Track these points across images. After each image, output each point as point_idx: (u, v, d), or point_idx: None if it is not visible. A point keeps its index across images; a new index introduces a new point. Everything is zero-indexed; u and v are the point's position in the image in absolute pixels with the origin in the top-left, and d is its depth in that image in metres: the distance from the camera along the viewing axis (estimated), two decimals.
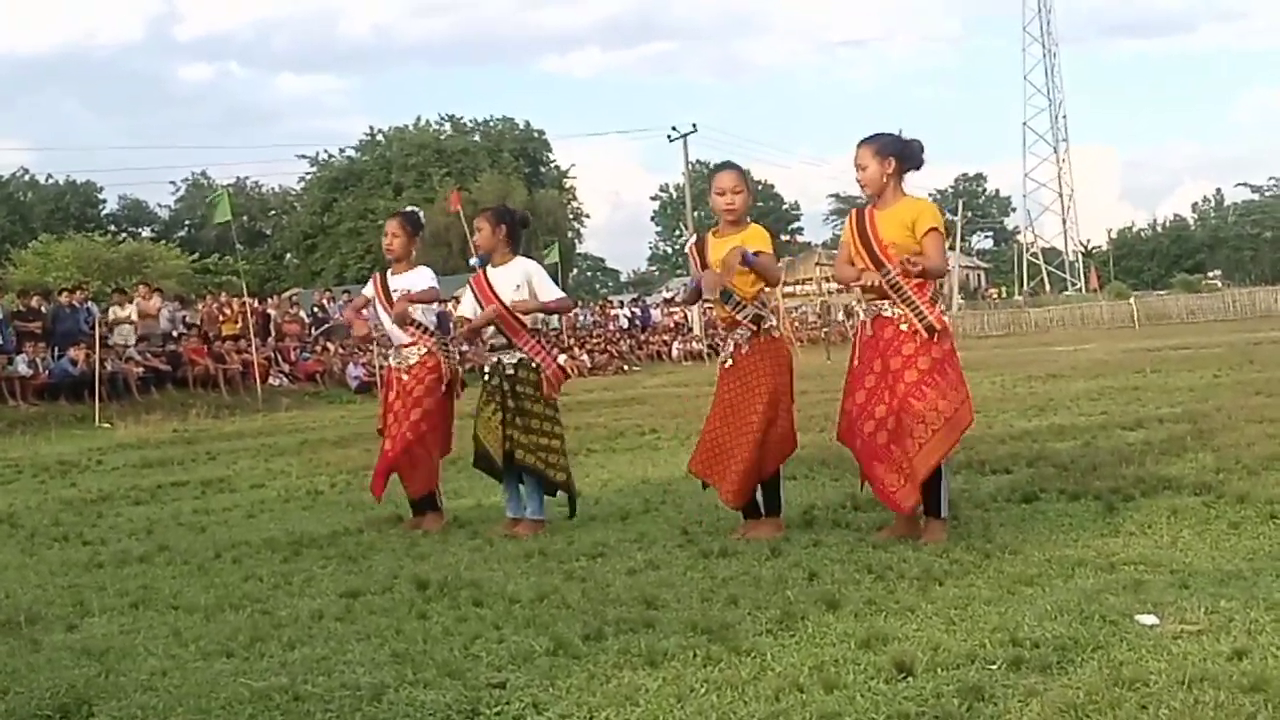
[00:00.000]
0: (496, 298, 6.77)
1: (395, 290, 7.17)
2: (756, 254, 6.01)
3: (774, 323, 6.31)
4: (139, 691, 3.84)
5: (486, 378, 6.87)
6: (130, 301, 22.91)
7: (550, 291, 6.83)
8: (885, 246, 5.79)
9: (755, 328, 6.16)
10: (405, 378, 7.11)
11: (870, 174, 5.88)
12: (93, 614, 5.12)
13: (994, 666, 3.60)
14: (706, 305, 6.44)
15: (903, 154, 5.91)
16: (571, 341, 32.12)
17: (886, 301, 5.79)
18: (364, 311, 7.49)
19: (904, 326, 5.74)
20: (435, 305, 7.39)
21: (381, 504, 7.30)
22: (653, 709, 3.44)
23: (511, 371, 6.73)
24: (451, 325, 7.50)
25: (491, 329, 6.82)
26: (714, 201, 6.28)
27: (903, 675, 3.57)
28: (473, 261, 7.31)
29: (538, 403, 6.71)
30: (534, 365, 6.72)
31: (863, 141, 5.94)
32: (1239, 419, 9.44)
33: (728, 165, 6.39)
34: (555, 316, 32.83)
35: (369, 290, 7.39)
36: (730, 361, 6.22)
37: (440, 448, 7.21)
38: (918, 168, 6.03)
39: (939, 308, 5.82)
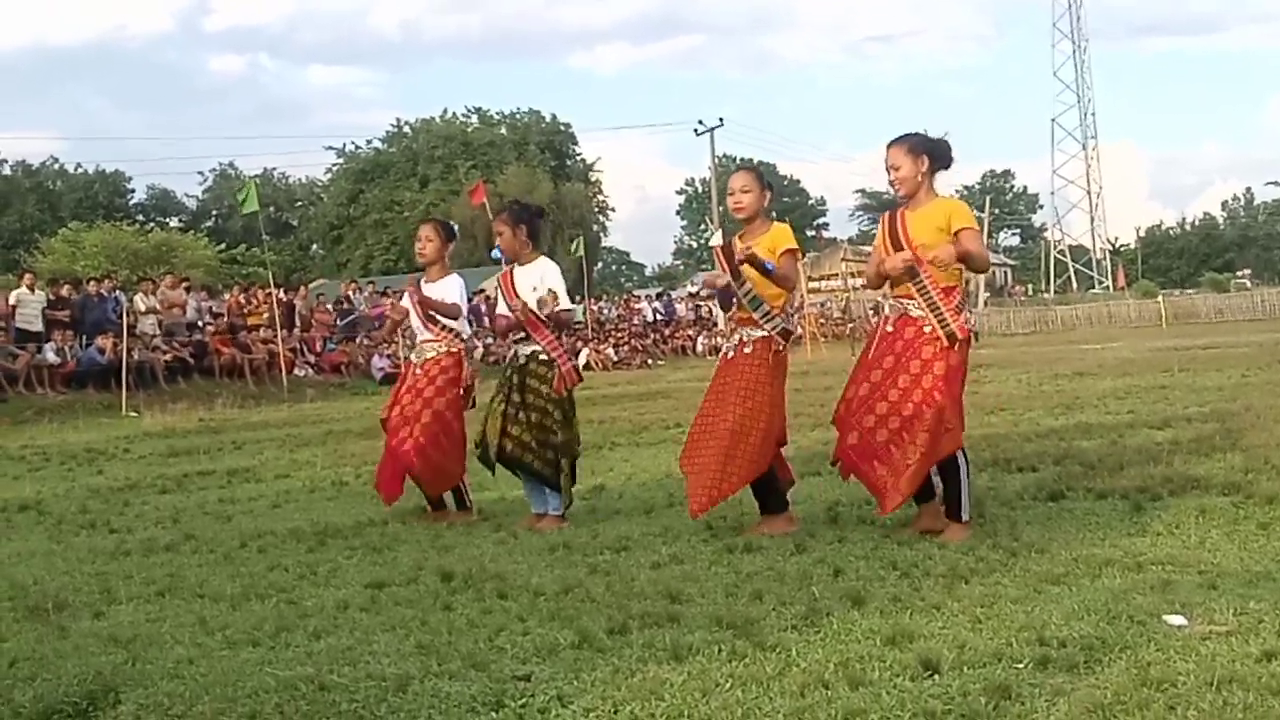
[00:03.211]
0: (516, 296, 6.83)
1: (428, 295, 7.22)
2: (769, 261, 6.03)
3: (793, 336, 6.32)
4: (165, 679, 3.86)
5: (503, 367, 6.96)
6: (157, 291, 23.04)
7: (561, 298, 6.81)
8: (916, 249, 5.76)
9: (782, 342, 6.18)
10: (419, 372, 7.15)
11: (905, 173, 5.83)
12: (120, 602, 5.15)
13: (1021, 665, 3.59)
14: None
15: (934, 152, 5.87)
16: (595, 336, 32.16)
17: (913, 302, 5.77)
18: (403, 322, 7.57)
19: (927, 329, 5.72)
20: (462, 313, 7.39)
21: (397, 501, 7.30)
22: (677, 703, 3.44)
23: (523, 362, 6.77)
24: (496, 319, 7.55)
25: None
26: (728, 202, 6.37)
27: (929, 673, 3.56)
28: (494, 254, 7.34)
29: (541, 395, 6.70)
30: (546, 359, 6.73)
31: (893, 142, 5.91)
32: (1268, 419, 9.36)
33: (741, 167, 6.44)
34: (579, 308, 32.88)
35: (406, 300, 7.46)
36: (732, 354, 6.23)
37: (456, 450, 7.19)
38: (947, 166, 6.00)
39: (964, 316, 5.78)
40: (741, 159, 69.85)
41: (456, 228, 7.76)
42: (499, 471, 6.99)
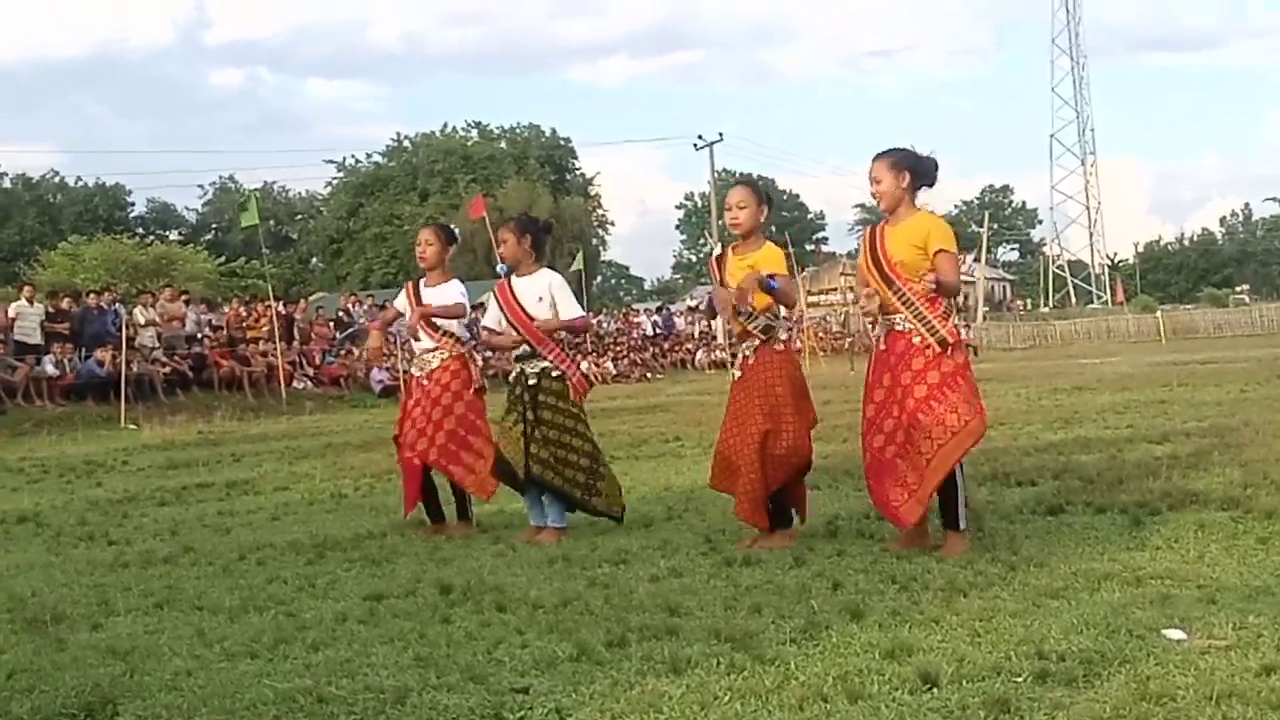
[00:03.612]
0: (520, 309, 6.79)
1: (428, 303, 7.19)
2: (773, 278, 6.03)
3: (785, 335, 6.33)
4: (163, 691, 3.86)
5: (510, 386, 6.90)
6: (156, 304, 23.05)
7: (570, 308, 6.81)
8: (894, 265, 5.79)
9: (764, 338, 6.19)
10: (427, 384, 7.11)
11: (885, 188, 5.87)
12: (118, 614, 5.14)
13: (1019, 679, 3.58)
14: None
15: (917, 169, 5.90)
16: (594, 349, 32.15)
17: (899, 316, 5.79)
18: (394, 322, 7.47)
19: (916, 340, 5.73)
20: (464, 318, 7.37)
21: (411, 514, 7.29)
22: (676, 716, 3.43)
23: (534, 381, 6.72)
24: (479, 332, 7.50)
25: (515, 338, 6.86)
26: (725, 218, 6.41)
27: (928, 686, 3.55)
28: (500, 268, 7.33)
29: (559, 412, 6.67)
30: (557, 374, 6.71)
31: (878, 155, 5.94)
32: (1267, 434, 9.37)
33: (739, 181, 6.47)
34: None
35: (400, 301, 7.41)
36: (739, 374, 6.29)
37: (489, 446, 7.06)
38: (931, 184, 6.03)
39: (952, 321, 5.81)
40: (741, 173, 69.94)
41: (457, 230, 7.74)
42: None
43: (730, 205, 6.28)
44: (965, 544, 5.65)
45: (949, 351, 5.70)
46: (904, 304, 5.76)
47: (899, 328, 5.81)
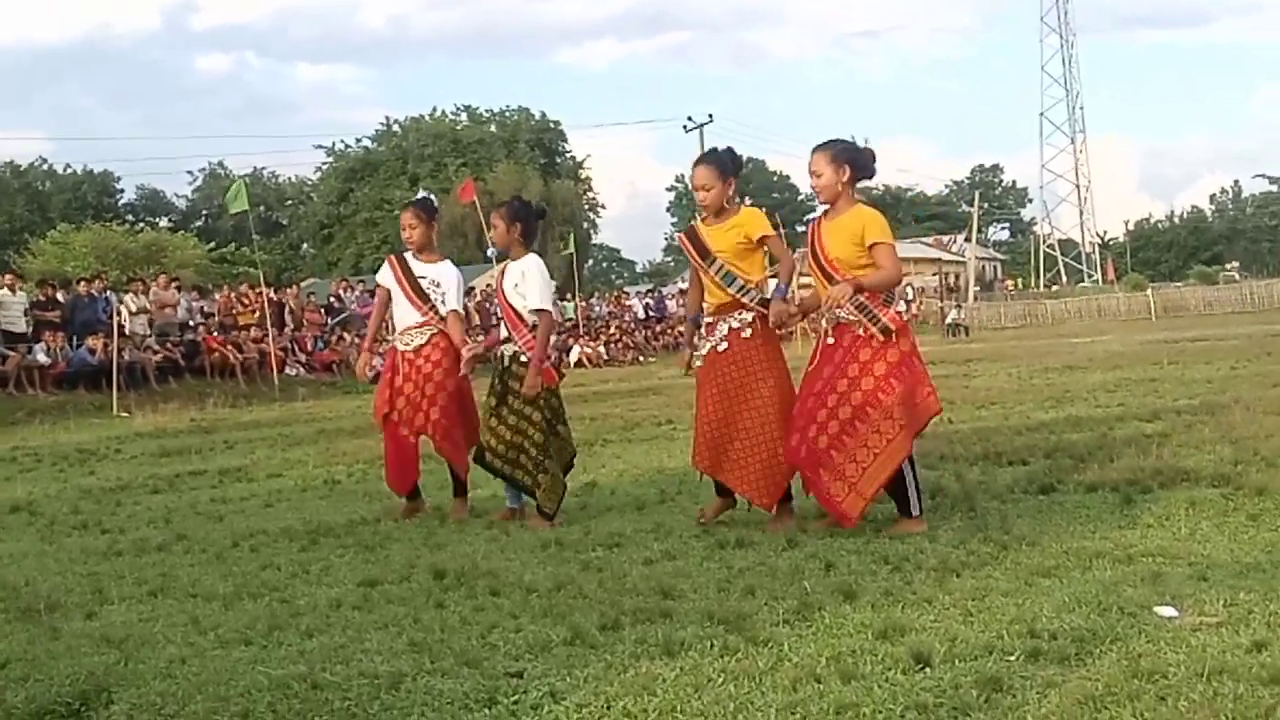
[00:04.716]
0: (501, 293, 6.86)
1: (422, 277, 7.17)
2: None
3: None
4: (158, 679, 3.85)
5: (492, 371, 6.93)
6: (148, 291, 22.99)
7: (534, 296, 6.73)
8: (832, 261, 5.79)
9: (763, 311, 6.15)
10: (418, 360, 7.08)
11: (825, 181, 5.86)
12: (112, 602, 5.14)
13: (1012, 658, 3.60)
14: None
15: (856, 162, 5.89)
16: (586, 333, 32.15)
17: (844, 310, 5.78)
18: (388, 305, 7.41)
19: (860, 331, 5.73)
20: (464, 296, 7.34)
21: (397, 495, 7.29)
22: (670, 699, 3.44)
23: (506, 363, 6.75)
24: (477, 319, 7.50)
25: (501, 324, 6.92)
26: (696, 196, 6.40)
27: (920, 666, 3.56)
28: (490, 252, 7.34)
29: (519, 397, 6.65)
30: (525, 359, 6.68)
31: (818, 148, 5.92)
32: (1257, 411, 9.38)
33: (701, 159, 6.39)
34: (570, 305, 32.78)
35: (384, 276, 7.34)
36: (725, 346, 6.16)
37: (469, 431, 7.10)
38: (870, 176, 6.05)
39: (894, 308, 5.77)
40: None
41: (434, 198, 7.71)
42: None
43: (697, 187, 6.27)
44: (921, 526, 5.68)
45: (893, 339, 5.70)
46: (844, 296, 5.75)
47: (843, 319, 5.81)
